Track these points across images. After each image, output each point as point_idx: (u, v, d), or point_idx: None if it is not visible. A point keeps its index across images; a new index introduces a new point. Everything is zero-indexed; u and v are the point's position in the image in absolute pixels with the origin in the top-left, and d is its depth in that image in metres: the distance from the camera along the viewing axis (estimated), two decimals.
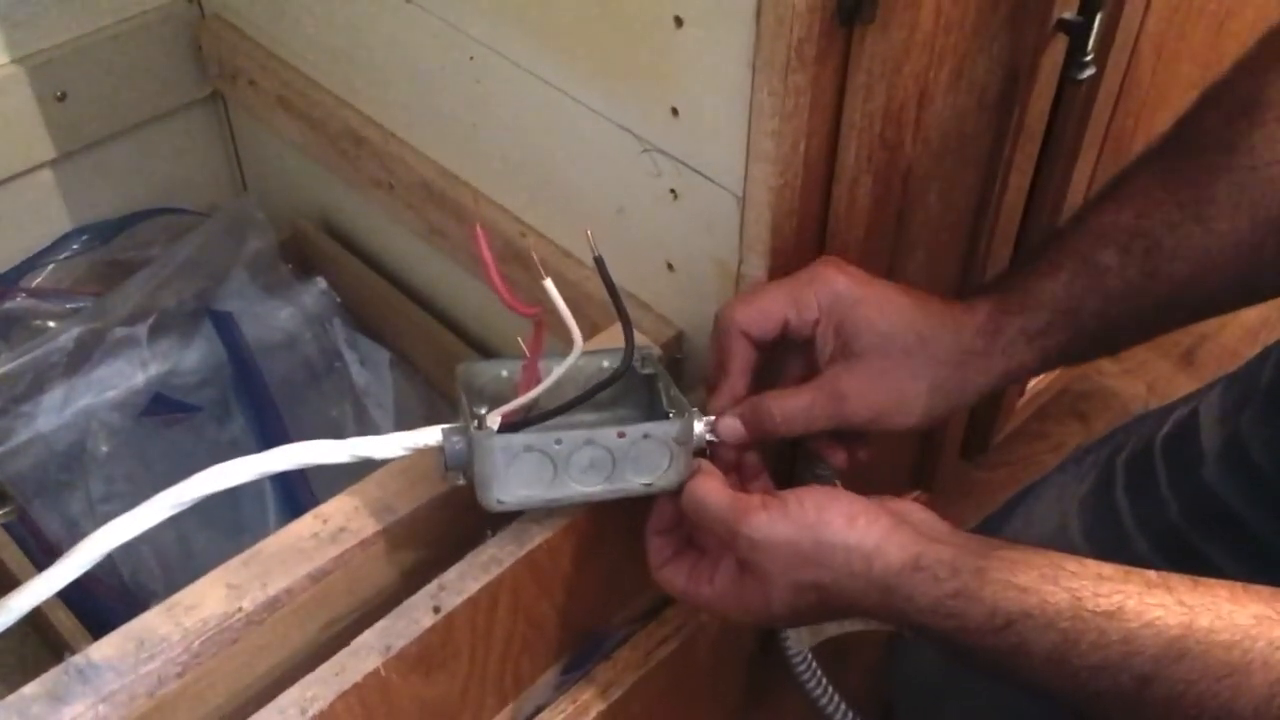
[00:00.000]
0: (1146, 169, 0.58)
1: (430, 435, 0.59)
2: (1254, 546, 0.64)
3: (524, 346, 0.59)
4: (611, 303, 0.58)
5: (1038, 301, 0.58)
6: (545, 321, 0.57)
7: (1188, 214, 0.56)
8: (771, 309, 0.61)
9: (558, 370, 0.57)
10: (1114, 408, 1.27)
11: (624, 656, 0.73)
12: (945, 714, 0.81)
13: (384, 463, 0.99)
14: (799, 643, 0.63)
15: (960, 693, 0.78)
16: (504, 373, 0.63)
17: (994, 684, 0.72)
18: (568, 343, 0.57)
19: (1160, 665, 0.46)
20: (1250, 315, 1.35)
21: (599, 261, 0.57)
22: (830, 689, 0.64)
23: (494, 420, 0.57)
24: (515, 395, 0.58)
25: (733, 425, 0.61)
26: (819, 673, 0.64)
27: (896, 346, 0.59)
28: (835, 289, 0.60)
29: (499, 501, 0.58)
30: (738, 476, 0.63)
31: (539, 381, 0.58)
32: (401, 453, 0.59)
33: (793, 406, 0.60)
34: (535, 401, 0.58)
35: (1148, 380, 1.31)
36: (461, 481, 0.59)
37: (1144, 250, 0.56)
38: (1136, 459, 0.73)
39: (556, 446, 0.57)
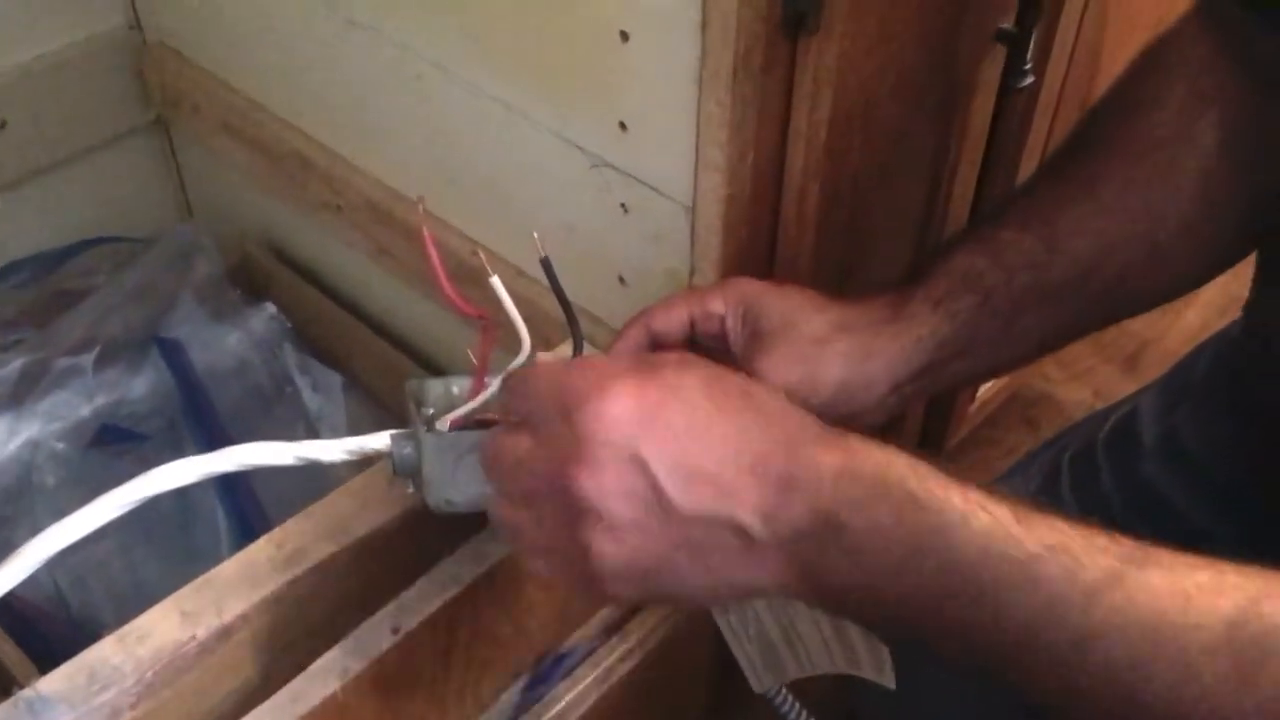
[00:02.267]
0: (1043, 171, 0.61)
1: (378, 440, 0.57)
2: (1194, 537, 0.65)
3: (473, 357, 0.58)
4: (558, 302, 0.57)
5: (940, 270, 0.58)
6: (493, 326, 0.56)
7: (1080, 193, 0.58)
8: (675, 305, 0.60)
9: (508, 368, 0.56)
10: (1062, 413, 1.29)
11: (586, 674, 0.73)
12: (917, 709, 0.81)
13: (331, 468, 0.99)
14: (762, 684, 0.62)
15: (926, 692, 0.78)
16: (454, 389, 0.61)
17: (957, 689, 0.73)
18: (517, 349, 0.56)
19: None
20: (1192, 319, 1.38)
21: (545, 263, 0.56)
22: (794, 701, 0.64)
23: (442, 425, 0.56)
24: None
25: None
26: (786, 694, 0.63)
27: (804, 325, 0.57)
28: (740, 287, 0.60)
29: (448, 502, 0.56)
30: None
31: (487, 388, 0.57)
32: (347, 456, 0.58)
33: None
34: (486, 407, 0.57)
35: (1094, 386, 1.33)
36: (410, 490, 0.58)
37: (1040, 223, 0.58)
38: (1081, 457, 0.74)
39: None
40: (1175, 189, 0.58)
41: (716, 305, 0.59)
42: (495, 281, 0.53)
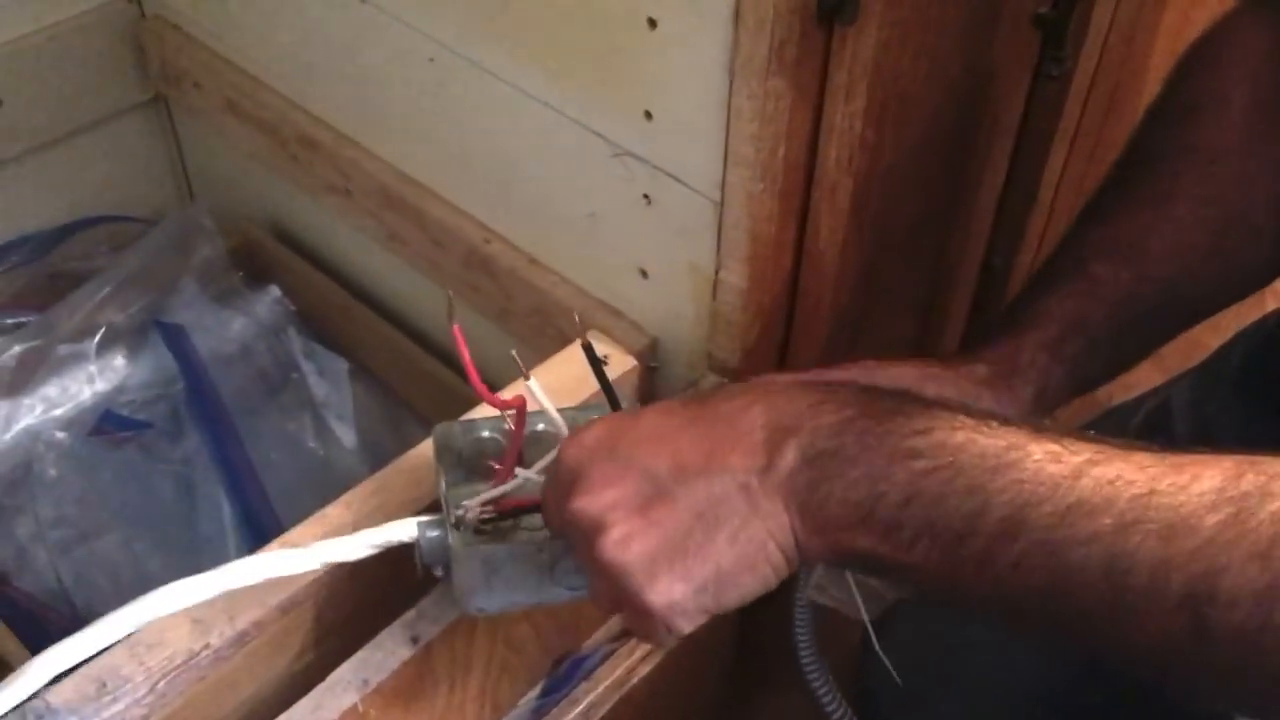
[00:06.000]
0: (1113, 188, 0.61)
1: (405, 529, 0.55)
2: None
3: (503, 412, 0.55)
4: (601, 387, 0.55)
5: (1046, 316, 0.59)
6: (524, 414, 0.54)
7: (1159, 214, 0.58)
8: None
9: (539, 465, 0.53)
10: (1083, 400, 1.27)
11: (605, 676, 0.71)
12: (931, 698, 0.80)
13: (341, 462, 0.97)
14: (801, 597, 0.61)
15: (945, 675, 0.77)
16: (485, 433, 0.59)
17: (988, 660, 0.72)
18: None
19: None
20: None
21: (588, 348, 0.54)
22: (832, 683, 0.63)
23: (473, 514, 0.53)
24: (495, 460, 0.56)
25: None
26: (825, 666, 0.62)
27: (943, 381, 0.57)
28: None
29: (480, 609, 0.55)
30: None
31: (519, 463, 0.55)
32: (371, 552, 0.55)
33: None
34: (518, 491, 0.55)
35: None
36: (440, 574, 0.56)
37: (1128, 252, 0.59)
38: None
39: (541, 555, 0.53)
40: (1245, 198, 0.58)
41: None
42: (533, 384, 0.52)
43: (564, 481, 0.47)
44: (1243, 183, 0.57)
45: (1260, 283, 0.61)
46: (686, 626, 0.46)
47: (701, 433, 0.45)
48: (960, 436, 0.42)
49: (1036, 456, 0.40)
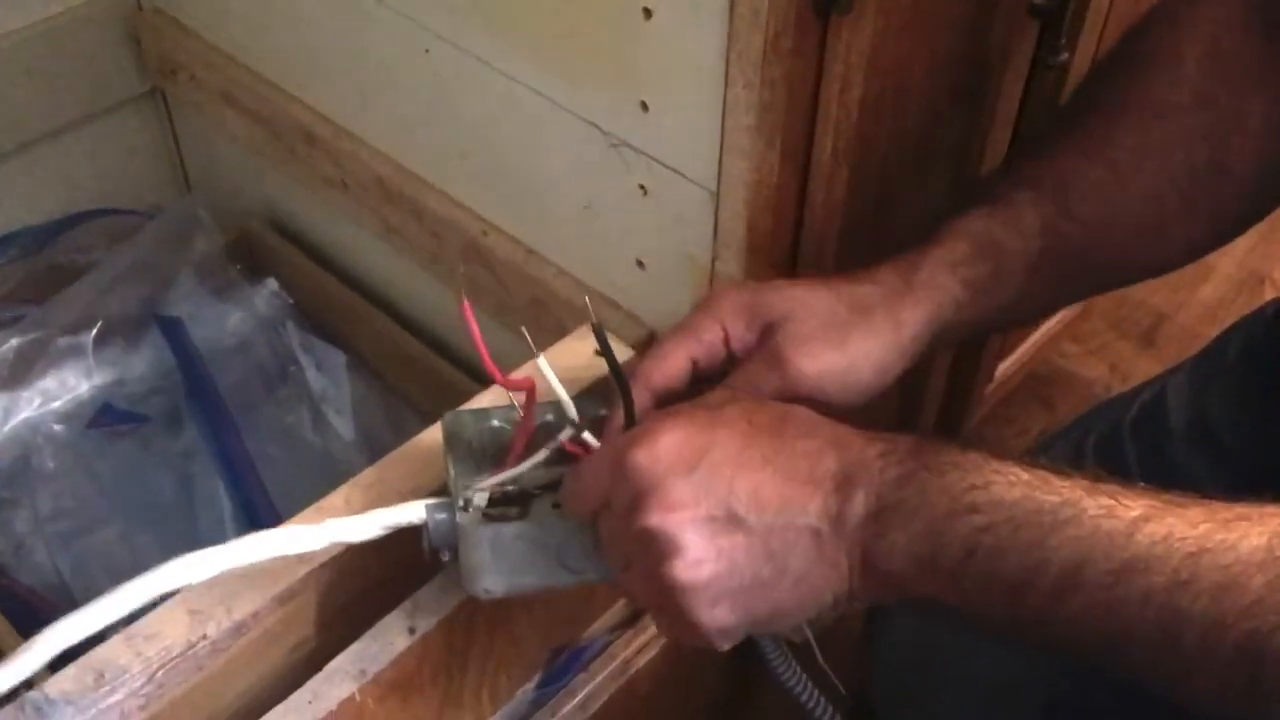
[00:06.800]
0: (1057, 127, 0.59)
1: (413, 512, 0.55)
2: None
3: (511, 394, 0.55)
4: (611, 374, 0.53)
5: (953, 233, 0.56)
6: (534, 396, 0.54)
7: (1094, 159, 0.57)
8: (668, 354, 0.55)
9: (546, 448, 0.53)
10: (1078, 390, 1.28)
11: (603, 667, 0.72)
12: (930, 699, 0.80)
13: (341, 453, 0.97)
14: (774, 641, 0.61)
15: (945, 675, 0.77)
16: (494, 422, 0.58)
17: (988, 660, 0.72)
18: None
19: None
20: (1208, 294, 1.36)
21: (598, 329, 0.53)
22: (807, 682, 0.62)
23: (480, 497, 0.53)
24: (505, 451, 0.55)
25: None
26: (795, 666, 0.62)
27: (820, 310, 0.54)
28: (730, 299, 0.56)
29: (486, 591, 0.55)
30: None
31: (530, 448, 0.54)
32: (381, 532, 0.55)
33: (737, 381, 0.54)
34: (527, 475, 0.54)
35: (1110, 361, 1.32)
36: (447, 558, 0.56)
37: (1055, 186, 0.57)
38: (1106, 440, 0.73)
39: (548, 537, 0.53)
40: (1187, 157, 0.56)
41: (713, 330, 0.55)
42: (542, 363, 0.51)
43: (636, 489, 0.46)
44: (1186, 143, 0.55)
45: (1197, 252, 0.59)
46: (725, 647, 0.48)
47: (780, 468, 0.46)
48: (1017, 492, 0.43)
49: (1091, 512, 0.42)
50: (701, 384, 0.55)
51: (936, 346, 0.58)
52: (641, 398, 0.54)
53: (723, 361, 0.56)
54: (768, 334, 0.55)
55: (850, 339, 0.54)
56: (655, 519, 0.45)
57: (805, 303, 0.55)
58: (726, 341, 0.55)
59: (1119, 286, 0.63)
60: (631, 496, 0.46)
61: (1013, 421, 1.23)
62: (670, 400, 0.54)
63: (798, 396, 0.53)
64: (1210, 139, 0.56)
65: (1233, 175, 0.56)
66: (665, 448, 0.46)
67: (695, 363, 0.55)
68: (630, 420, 0.52)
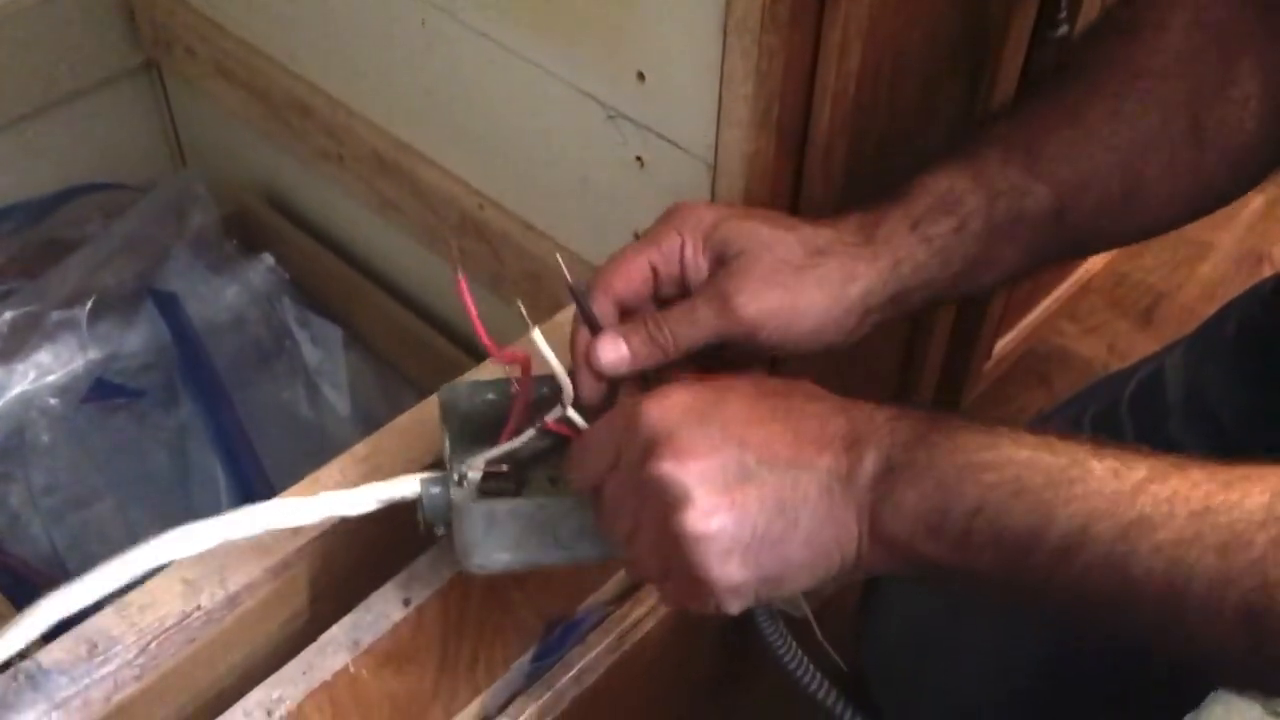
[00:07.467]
0: (1033, 91, 0.59)
1: (408, 486, 0.55)
2: None
3: (507, 367, 0.55)
4: (589, 329, 0.53)
5: (920, 189, 0.55)
6: (530, 369, 0.53)
7: (1066, 119, 0.56)
8: (629, 261, 0.53)
9: (542, 419, 0.52)
10: (1076, 368, 1.27)
11: (599, 640, 0.71)
12: (925, 673, 0.80)
13: (336, 428, 0.97)
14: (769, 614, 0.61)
15: (940, 650, 0.78)
16: (490, 396, 0.58)
17: (984, 636, 0.72)
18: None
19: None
20: (1207, 272, 1.36)
21: (574, 289, 0.52)
22: (803, 657, 0.62)
23: (475, 473, 0.53)
24: (501, 424, 0.55)
25: (615, 345, 0.52)
26: (791, 641, 0.62)
27: (777, 248, 0.53)
28: (696, 215, 0.54)
29: (480, 566, 0.54)
30: None
31: (526, 424, 0.54)
32: (376, 506, 0.55)
33: (676, 314, 0.53)
34: (523, 449, 0.54)
35: (1108, 340, 1.32)
36: (441, 532, 0.56)
37: (1024, 146, 0.56)
38: (1103, 416, 0.73)
39: (543, 514, 0.53)
40: (1165, 124, 0.55)
41: (672, 238, 0.54)
42: (537, 335, 0.50)
43: (647, 440, 0.45)
44: (1164, 108, 0.54)
45: (1172, 224, 0.58)
46: (736, 609, 0.47)
47: (791, 426, 0.46)
48: (1025, 453, 0.43)
49: (1098, 473, 0.42)
50: (662, 304, 0.54)
51: (898, 309, 0.56)
52: (602, 303, 0.53)
53: (675, 280, 0.55)
54: (716, 266, 0.53)
55: (800, 283, 0.53)
56: (668, 466, 0.44)
57: (763, 240, 0.53)
58: (681, 253, 0.54)
59: (1094, 252, 0.63)
60: (643, 447, 0.45)
61: (1011, 400, 1.22)
62: (632, 312, 0.54)
63: (736, 337, 0.52)
64: (1190, 106, 0.55)
65: (1214, 145, 0.55)
66: (677, 401, 0.46)
67: (655, 271, 0.54)
68: (592, 326, 0.52)
